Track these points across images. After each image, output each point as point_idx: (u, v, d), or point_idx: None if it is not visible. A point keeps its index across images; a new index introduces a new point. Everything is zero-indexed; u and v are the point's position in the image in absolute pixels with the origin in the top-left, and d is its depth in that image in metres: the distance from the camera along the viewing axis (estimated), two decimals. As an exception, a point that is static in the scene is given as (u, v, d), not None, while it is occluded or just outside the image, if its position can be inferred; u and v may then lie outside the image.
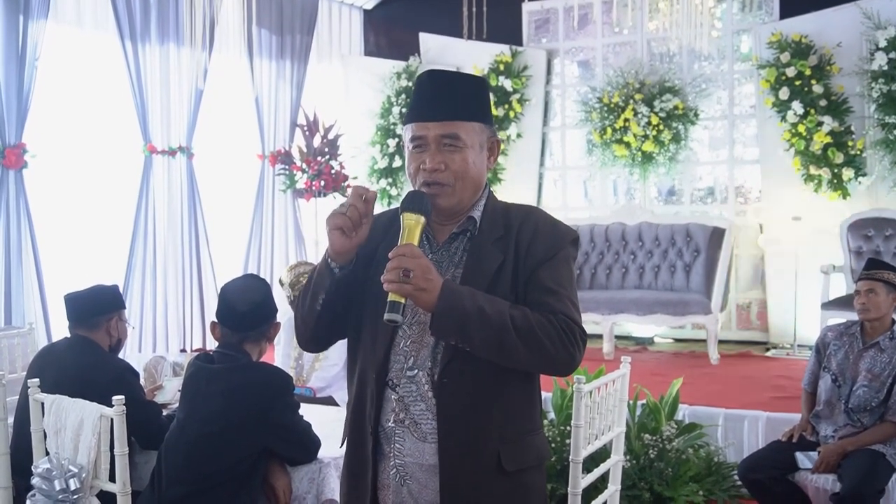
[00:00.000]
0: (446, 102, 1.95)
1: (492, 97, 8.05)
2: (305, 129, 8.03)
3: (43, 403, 3.00)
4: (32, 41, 5.94)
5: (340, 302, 1.97)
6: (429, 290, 1.79)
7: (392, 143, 8.46)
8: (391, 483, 1.95)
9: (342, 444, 2.09)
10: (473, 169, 1.96)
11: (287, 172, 8.03)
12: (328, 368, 4.19)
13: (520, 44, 8.38)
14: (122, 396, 2.73)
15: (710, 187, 8.25)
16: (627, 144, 7.52)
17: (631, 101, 7.49)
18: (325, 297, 1.96)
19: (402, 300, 1.79)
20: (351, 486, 2.03)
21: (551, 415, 4.66)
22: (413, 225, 1.87)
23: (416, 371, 1.93)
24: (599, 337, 6.78)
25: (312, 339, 2.07)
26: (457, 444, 1.89)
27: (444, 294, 1.79)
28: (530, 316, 1.84)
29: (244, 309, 3.00)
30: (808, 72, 6.77)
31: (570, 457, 2.95)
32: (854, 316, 4.05)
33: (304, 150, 7.98)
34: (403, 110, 8.35)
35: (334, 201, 8.05)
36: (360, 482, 1.98)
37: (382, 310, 1.81)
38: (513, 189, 8.16)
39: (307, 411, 3.09)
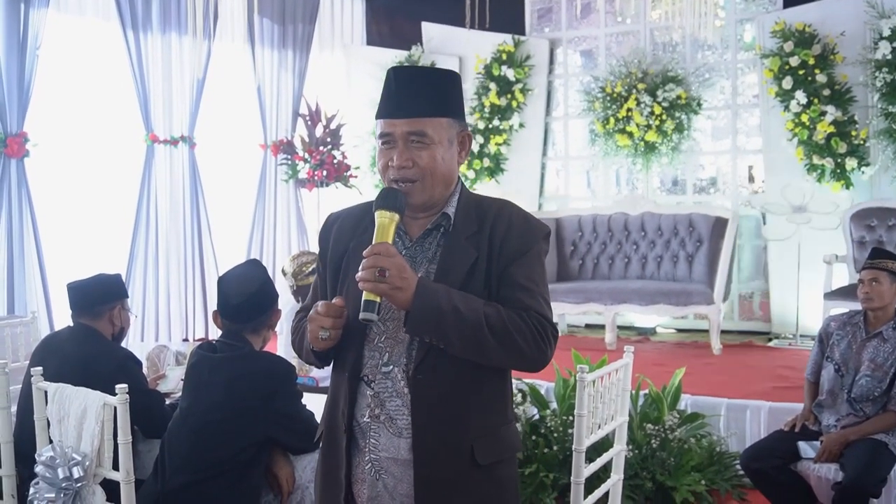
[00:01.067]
0: (413, 99, 1.95)
1: (494, 87, 8.04)
2: (308, 118, 8.02)
3: (46, 392, 3.00)
4: (34, 30, 5.93)
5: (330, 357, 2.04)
6: (404, 289, 1.80)
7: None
8: (367, 477, 1.97)
9: (316, 439, 2.12)
10: (442, 165, 1.96)
11: (289, 162, 8.02)
12: (331, 358, 4.18)
13: (522, 33, 8.35)
14: (125, 385, 2.73)
15: (713, 177, 8.24)
16: (630, 134, 7.50)
17: (634, 91, 7.47)
18: (313, 360, 2.05)
19: (377, 299, 1.81)
20: (326, 481, 2.04)
21: (553, 404, 4.67)
22: (387, 223, 1.89)
23: (391, 367, 1.94)
24: (602, 327, 6.79)
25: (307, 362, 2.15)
26: (431, 438, 1.91)
27: (419, 293, 1.81)
28: (504, 313, 1.86)
29: (238, 301, 2.99)
30: (811, 61, 6.74)
31: (573, 446, 2.96)
32: (857, 306, 4.05)
33: (307, 139, 7.97)
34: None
35: (336, 191, 8.05)
36: (334, 477, 2.00)
37: (357, 308, 1.83)
38: (515, 179, 8.15)
39: (310, 401, 3.08)
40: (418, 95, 1.95)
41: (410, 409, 1.91)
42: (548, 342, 1.90)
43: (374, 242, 1.86)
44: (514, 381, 2.88)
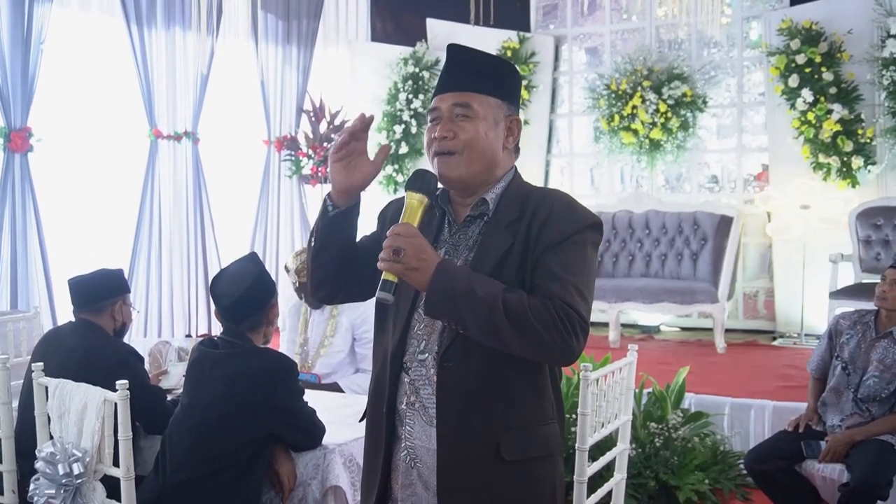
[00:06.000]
0: (462, 74, 1.97)
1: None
2: (311, 114, 8.01)
3: (47, 387, 2.99)
4: (38, 24, 5.92)
5: (334, 246, 1.98)
6: (421, 270, 1.78)
7: (398, 129, 8.41)
8: (401, 465, 1.96)
9: (361, 420, 2.11)
10: (484, 140, 1.94)
11: (293, 158, 8.01)
12: (333, 355, 4.17)
13: (527, 30, 8.32)
14: (126, 381, 2.72)
15: (718, 175, 8.21)
16: (635, 132, 7.47)
17: (639, 89, 7.44)
18: (317, 237, 1.99)
19: (395, 279, 1.80)
20: (367, 466, 2.06)
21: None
22: (415, 204, 1.87)
23: (426, 355, 1.93)
24: (605, 325, 6.77)
25: (315, 286, 2.08)
26: (454, 429, 1.88)
27: (436, 274, 1.78)
28: (526, 300, 1.79)
29: (227, 303, 2.97)
30: (818, 59, 6.71)
31: (577, 445, 2.94)
32: (862, 305, 4.02)
33: (310, 135, 7.96)
34: (410, 96, 8.31)
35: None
36: (373, 462, 2.01)
37: (402, 294, 1.84)
38: (519, 176, 8.11)
39: (312, 397, 3.07)
40: (470, 72, 1.96)
41: (436, 398, 1.90)
42: (572, 333, 1.78)
43: (399, 222, 1.85)
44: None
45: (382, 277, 1.80)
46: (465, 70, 1.97)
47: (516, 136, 2.03)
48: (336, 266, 2.00)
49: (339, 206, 1.95)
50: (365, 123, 1.93)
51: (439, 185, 1.96)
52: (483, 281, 1.81)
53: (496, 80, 1.99)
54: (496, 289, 1.79)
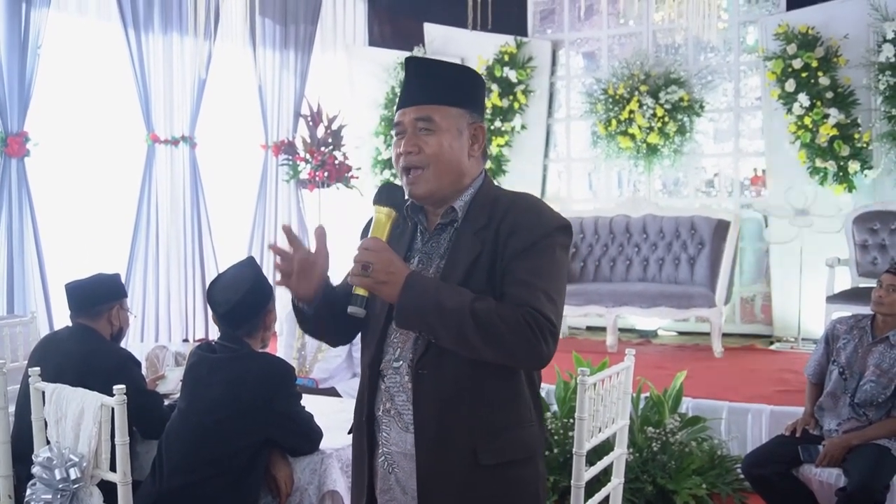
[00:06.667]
0: (422, 87, 1.97)
1: (496, 88, 8.01)
2: (309, 119, 8.00)
3: (44, 392, 2.99)
4: (35, 29, 5.91)
5: (324, 321, 2.04)
6: (390, 283, 1.82)
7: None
8: (380, 471, 2.00)
9: (349, 432, 2.14)
10: (448, 152, 1.95)
11: (290, 163, 8.01)
12: (331, 359, 4.18)
13: (525, 34, 8.34)
14: (123, 385, 2.72)
15: (715, 180, 8.22)
16: (632, 136, 7.48)
17: (636, 93, 7.45)
18: (307, 330, 2.11)
19: (364, 293, 1.85)
20: (354, 473, 2.11)
21: (554, 407, 4.65)
22: (383, 219, 1.92)
23: (400, 362, 1.97)
24: (603, 329, 6.77)
25: (327, 342, 2.21)
26: (431, 435, 1.91)
27: (405, 287, 1.81)
28: (495, 309, 1.81)
29: (223, 310, 2.97)
30: (814, 64, 6.72)
31: (574, 449, 2.94)
32: (859, 309, 4.02)
33: (308, 140, 7.96)
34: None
35: (338, 192, 8.04)
36: (359, 468, 2.06)
37: (378, 303, 1.88)
38: (516, 181, 8.12)
39: (309, 402, 3.07)
40: (429, 85, 1.97)
41: (412, 405, 1.93)
42: (541, 339, 1.80)
43: (367, 237, 1.89)
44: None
45: (353, 291, 1.85)
46: (426, 82, 1.97)
47: (482, 142, 2.02)
48: (334, 325, 2.07)
49: (312, 303, 1.99)
50: (289, 237, 1.96)
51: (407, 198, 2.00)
52: (452, 291, 1.83)
53: (457, 89, 1.99)
54: (465, 298, 1.81)
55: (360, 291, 1.84)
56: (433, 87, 1.96)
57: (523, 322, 1.79)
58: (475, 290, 1.85)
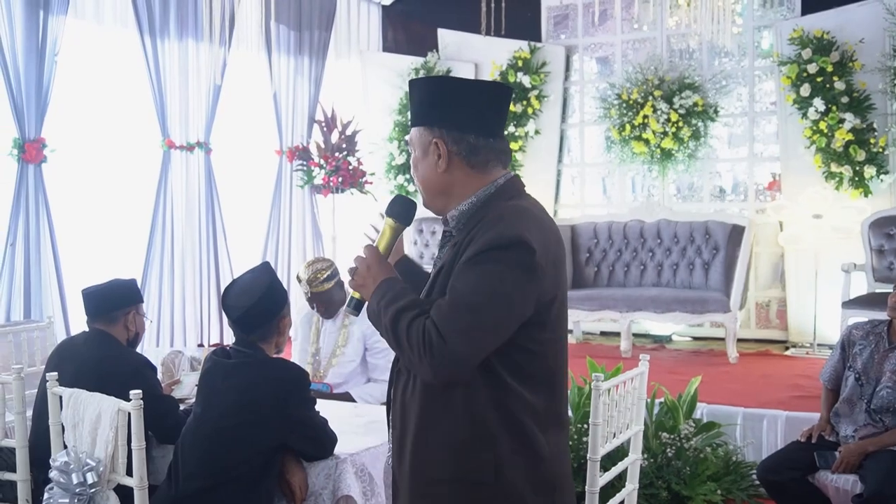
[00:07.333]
0: (410, 111, 2.04)
1: (509, 97, 7.99)
2: (323, 124, 8.03)
3: (61, 397, 3.01)
4: (52, 36, 5.96)
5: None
6: (366, 287, 1.97)
7: (410, 139, 8.43)
8: (388, 468, 2.16)
9: None
10: (423, 174, 2.01)
11: (305, 168, 8.04)
12: (345, 364, 4.18)
13: (539, 40, 8.34)
14: (139, 391, 2.74)
15: (729, 185, 8.19)
16: (646, 141, 7.47)
17: (650, 98, 7.44)
18: None
19: (357, 296, 2.01)
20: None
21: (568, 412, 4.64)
22: (387, 230, 2.06)
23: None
24: (617, 334, 6.76)
25: None
26: (399, 447, 2.00)
27: (374, 291, 1.94)
28: (413, 319, 1.82)
29: (237, 315, 2.98)
30: (829, 68, 6.70)
31: (588, 455, 2.94)
32: (874, 314, 4.00)
33: (322, 145, 7.99)
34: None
35: (352, 197, 8.06)
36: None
37: None
38: (530, 186, 8.04)
39: (324, 407, 3.08)
40: (411, 108, 2.03)
41: (391, 414, 2.06)
42: (426, 353, 1.76)
43: (367, 245, 2.04)
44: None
45: (350, 295, 2.03)
46: (411, 106, 2.03)
47: (442, 154, 1.94)
48: None
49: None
50: None
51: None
52: (401, 299, 1.87)
53: (425, 106, 1.98)
54: (403, 306, 1.85)
55: (355, 294, 2.01)
56: (412, 110, 2.02)
57: (420, 334, 1.78)
58: (437, 299, 1.86)
